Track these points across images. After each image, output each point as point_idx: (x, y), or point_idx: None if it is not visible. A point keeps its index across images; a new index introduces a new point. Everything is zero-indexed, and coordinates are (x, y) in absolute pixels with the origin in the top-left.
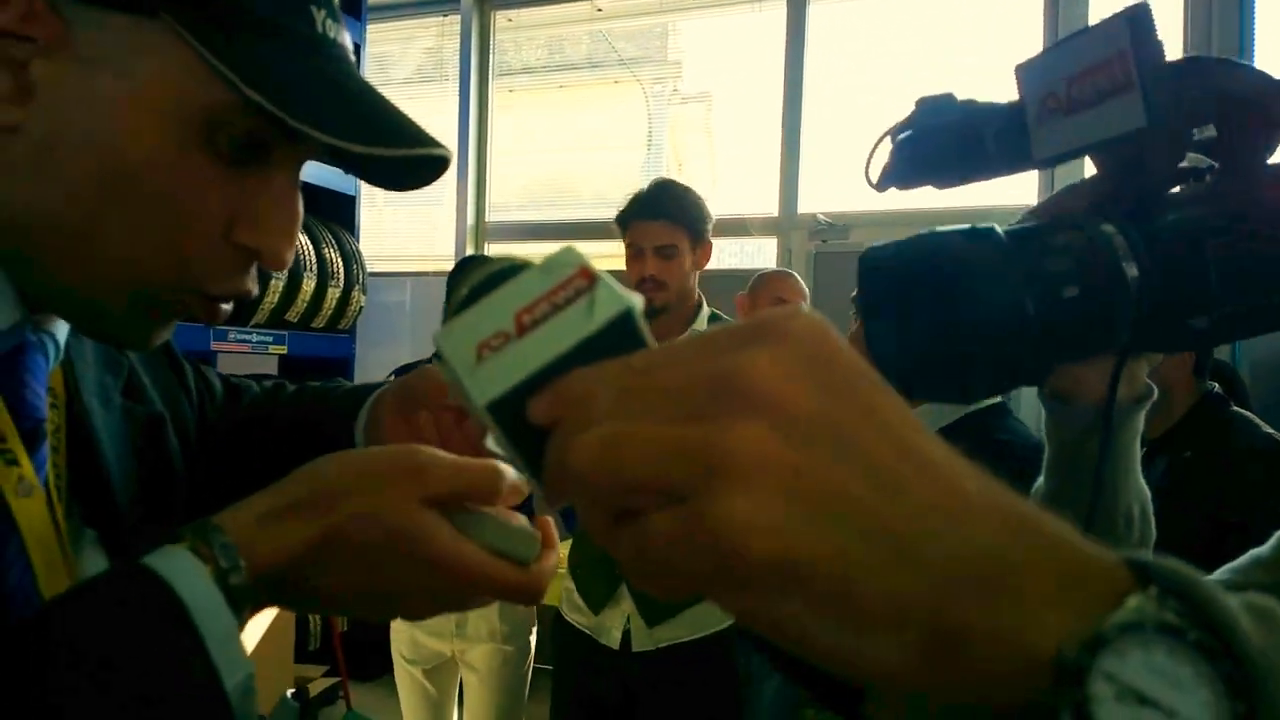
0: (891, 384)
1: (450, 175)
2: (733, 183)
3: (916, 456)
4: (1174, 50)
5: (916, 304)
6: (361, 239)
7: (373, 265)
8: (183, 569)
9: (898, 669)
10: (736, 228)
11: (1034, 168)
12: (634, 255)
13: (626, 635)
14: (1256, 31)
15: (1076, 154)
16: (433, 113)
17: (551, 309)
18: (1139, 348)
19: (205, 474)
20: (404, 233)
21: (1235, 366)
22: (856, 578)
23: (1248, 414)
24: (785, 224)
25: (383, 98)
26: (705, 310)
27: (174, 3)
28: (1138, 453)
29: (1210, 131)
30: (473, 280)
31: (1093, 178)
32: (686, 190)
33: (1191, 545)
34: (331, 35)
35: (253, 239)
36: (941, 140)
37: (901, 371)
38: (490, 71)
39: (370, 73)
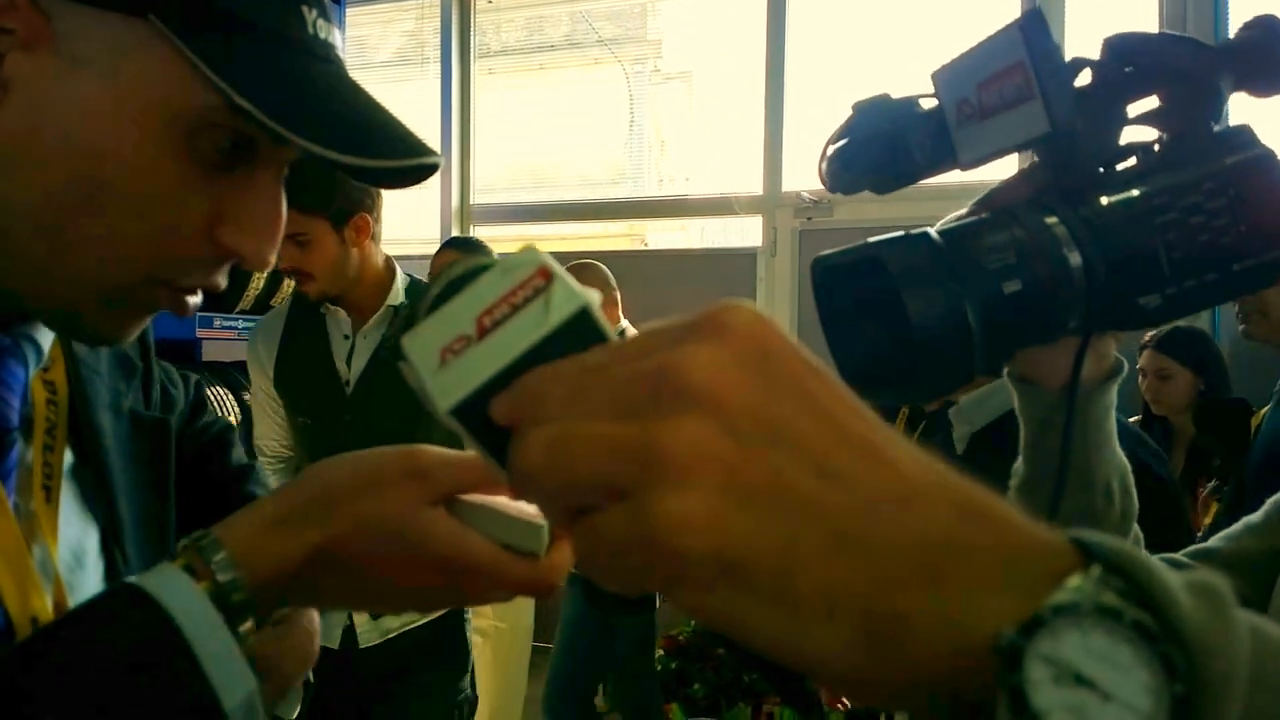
0: (848, 376)
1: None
2: (716, 161)
3: (857, 443)
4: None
5: (864, 315)
6: None
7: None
8: (176, 588)
9: (838, 660)
10: (721, 206)
11: (963, 168)
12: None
13: (349, 632)
14: (1231, 22)
15: (997, 155)
16: (414, 96)
17: (510, 310)
18: (1093, 330)
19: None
20: (389, 216)
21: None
22: (794, 569)
23: None
24: (770, 202)
25: (375, 102)
26: (400, 278)
27: (161, 4)
28: (1113, 427)
29: (1154, 101)
30: (440, 284)
31: (1031, 165)
32: (309, 162)
33: None
34: (323, 36)
35: (235, 240)
36: (872, 150)
37: (862, 377)
38: (471, 53)
39: (349, 56)
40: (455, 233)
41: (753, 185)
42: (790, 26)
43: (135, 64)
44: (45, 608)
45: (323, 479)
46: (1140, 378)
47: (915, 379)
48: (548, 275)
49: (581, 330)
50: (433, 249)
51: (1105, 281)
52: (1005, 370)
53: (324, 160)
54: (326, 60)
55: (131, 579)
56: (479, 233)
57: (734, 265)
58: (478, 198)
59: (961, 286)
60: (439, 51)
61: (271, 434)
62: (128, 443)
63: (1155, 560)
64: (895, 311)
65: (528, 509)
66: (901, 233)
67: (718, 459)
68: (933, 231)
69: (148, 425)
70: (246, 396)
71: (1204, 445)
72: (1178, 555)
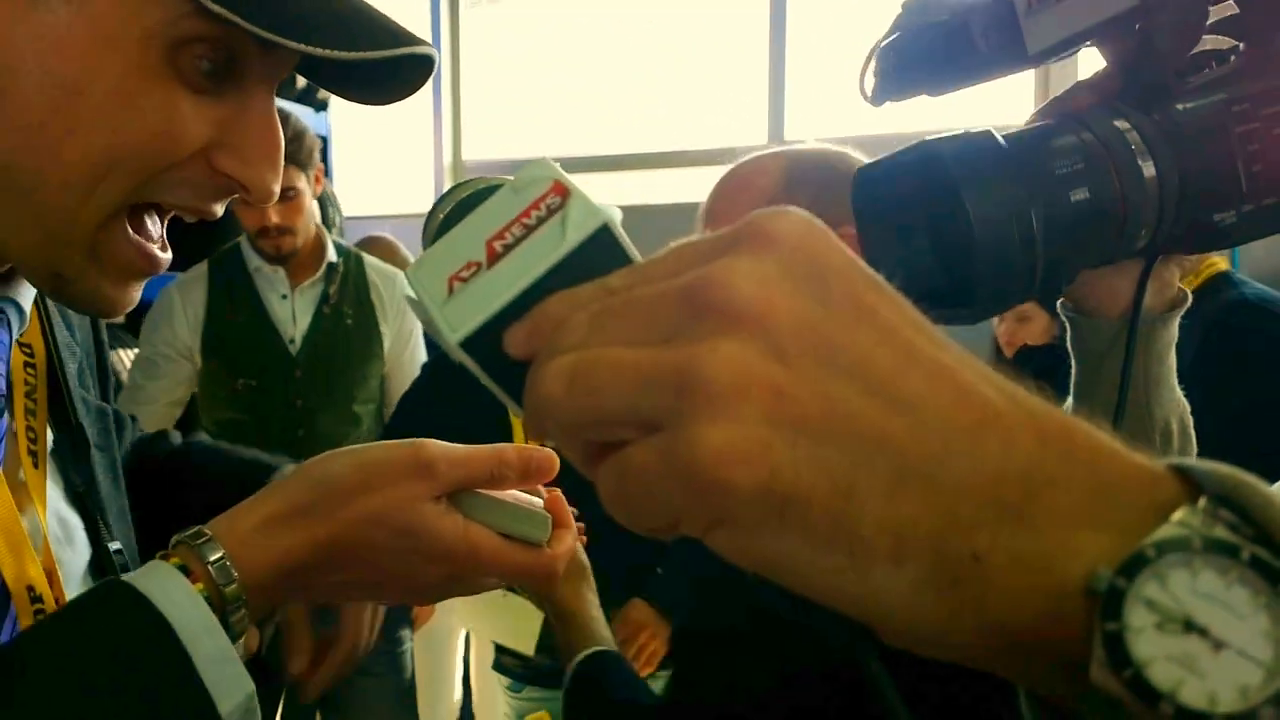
0: None
1: (425, 109)
2: (719, 109)
3: (925, 363)
4: None
5: (913, 221)
6: (335, 181)
7: (349, 209)
8: (170, 589)
9: (907, 608)
10: (724, 156)
11: (1029, 65)
12: (244, 203)
13: None
14: None
15: (1073, 43)
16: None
17: (524, 232)
18: (1159, 248)
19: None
20: (375, 174)
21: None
22: (855, 506)
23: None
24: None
25: None
26: (326, 234)
27: None
28: (1174, 364)
29: (1231, 8)
30: (446, 208)
31: (1099, 73)
32: (288, 117)
33: None
34: None
35: (236, 169)
36: (929, 43)
37: (901, 281)
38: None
39: None
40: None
41: (756, 134)
42: None
43: None
44: (40, 576)
45: (324, 474)
46: (996, 319)
47: (970, 293)
48: (564, 191)
49: (603, 250)
50: (424, 208)
51: (1178, 195)
52: (1059, 302)
53: (309, 63)
54: None
55: (125, 578)
56: None
57: None
58: (469, 154)
59: (1026, 194)
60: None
61: (166, 394)
62: (91, 419)
63: (1274, 490)
64: (951, 217)
65: (529, 499)
66: (962, 131)
67: (765, 384)
68: (995, 132)
69: (95, 409)
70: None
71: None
72: None
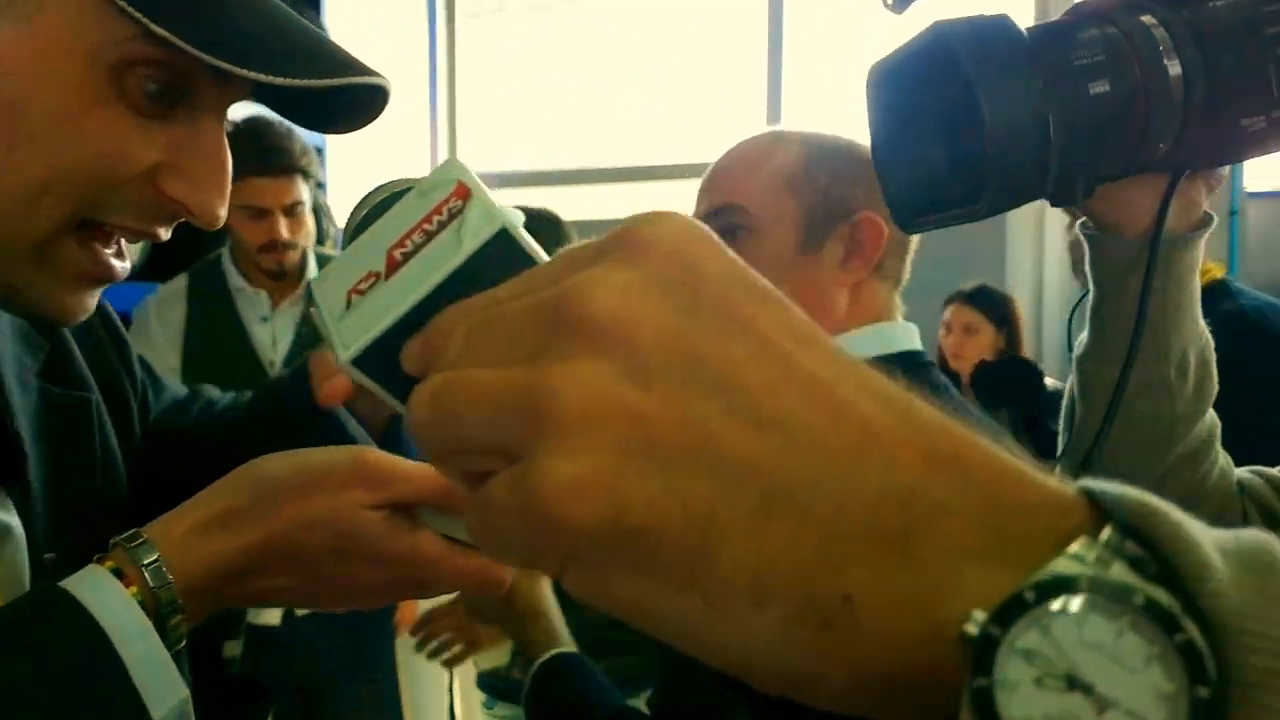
0: (895, 201)
1: (422, 121)
2: (715, 123)
3: (801, 378)
4: None
5: (924, 107)
6: (330, 193)
7: (344, 220)
8: (104, 593)
9: (770, 655)
10: None
11: None
12: (251, 217)
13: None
14: None
15: None
16: (397, 53)
17: (424, 238)
18: (1183, 158)
19: (150, 470)
20: (368, 184)
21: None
22: (710, 542)
23: None
24: None
25: (308, 25)
26: (310, 252)
27: None
28: (1196, 290)
29: None
30: (360, 213)
31: None
32: (291, 130)
33: None
34: None
35: (182, 193)
36: None
37: (916, 197)
38: (457, 10)
39: (330, 15)
40: None
41: None
42: None
43: (50, 6)
44: None
45: (262, 475)
46: (943, 332)
47: (979, 190)
48: (465, 194)
49: (504, 255)
50: None
51: (1204, 98)
52: (1078, 222)
53: (262, 86)
54: None
55: (61, 583)
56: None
57: None
58: (474, 166)
59: (1042, 84)
60: (426, 9)
61: None
62: (36, 416)
63: (1190, 519)
64: (960, 105)
65: None
66: (979, 14)
67: (619, 408)
68: (1011, 18)
69: (62, 403)
70: None
71: (986, 407)
72: (1275, 471)
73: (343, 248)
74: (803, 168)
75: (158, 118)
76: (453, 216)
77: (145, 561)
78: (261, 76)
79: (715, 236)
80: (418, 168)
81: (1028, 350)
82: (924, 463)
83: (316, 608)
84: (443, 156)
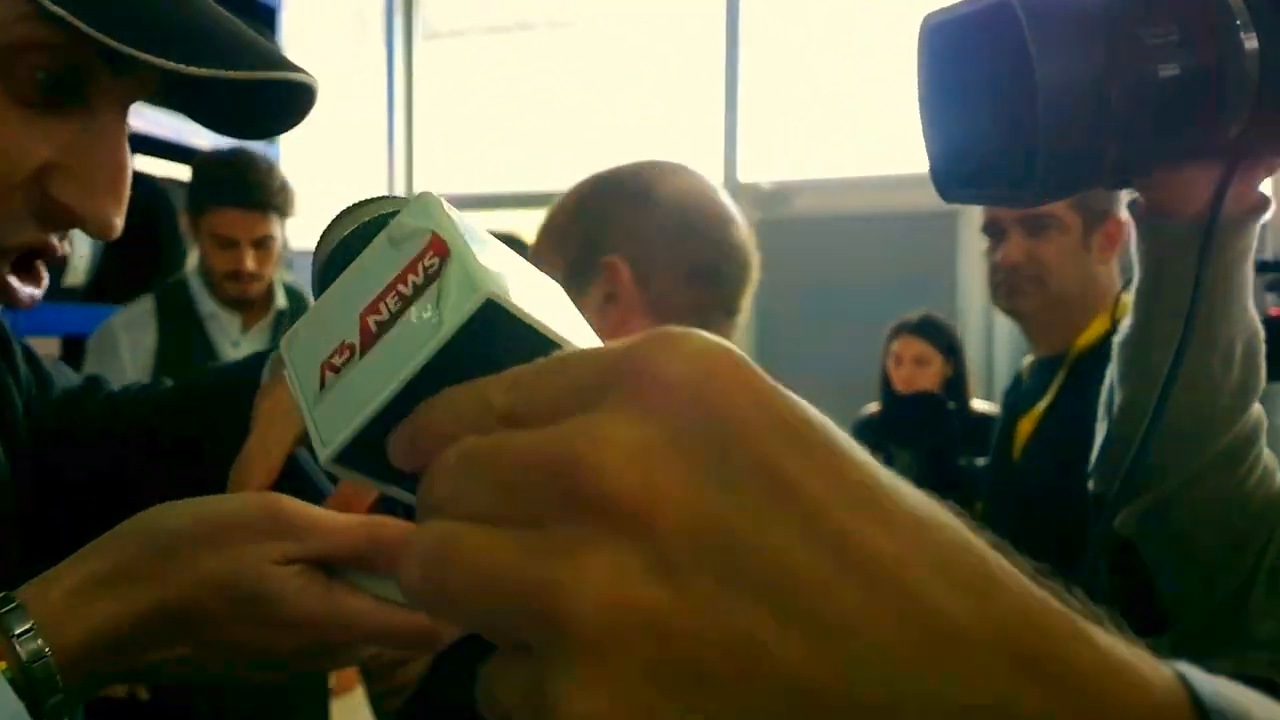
0: (938, 164)
1: (380, 144)
2: (673, 151)
3: (861, 563)
4: None
5: (978, 70)
6: None
7: (298, 242)
8: None
9: None
10: None
11: None
12: (220, 245)
13: None
14: None
15: None
16: (356, 77)
17: (400, 304)
18: (1253, 147)
19: (40, 473)
20: (327, 208)
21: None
22: None
23: None
24: (727, 192)
25: (231, 18)
26: (276, 278)
27: None
28: (1249, 277)
29: None
30: (336, 237)
31: None
32: (273, 166)
33: None
34: None
35: (74, 198)
36: None
37: (963, 169)
38: (416, 34)
39: (287, 37)
40: None
41: (710, 175)
42: (745, 11)
43: None
44: None
45: (157, 528)
46: (892, 364)
47: (1030, 166)
48: (443, 250)
49: (492, 325)
50: None
51: None
52: (1128, 201)
53: (171, 84)
54: None
55: None
56: None
57: None
58: (423, 187)
59: (1105, 58)
60: (384, 32)
61: None
62: None
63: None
64: (1016, 75)
65: None
66: None
67: (643, 620)
68: None
69: None
70: None
71: (895, 443)
72: None
73: (314, 280)
74: (570, 219)
75: (49, 112)
76: (430, 279)
77: (17, 631)
78: (165, 63)
79: (743, 359)
80: (375, 189)
81: (977, 376)
82: (1010, 668)
83: (226, 681)
84: (400, 178)
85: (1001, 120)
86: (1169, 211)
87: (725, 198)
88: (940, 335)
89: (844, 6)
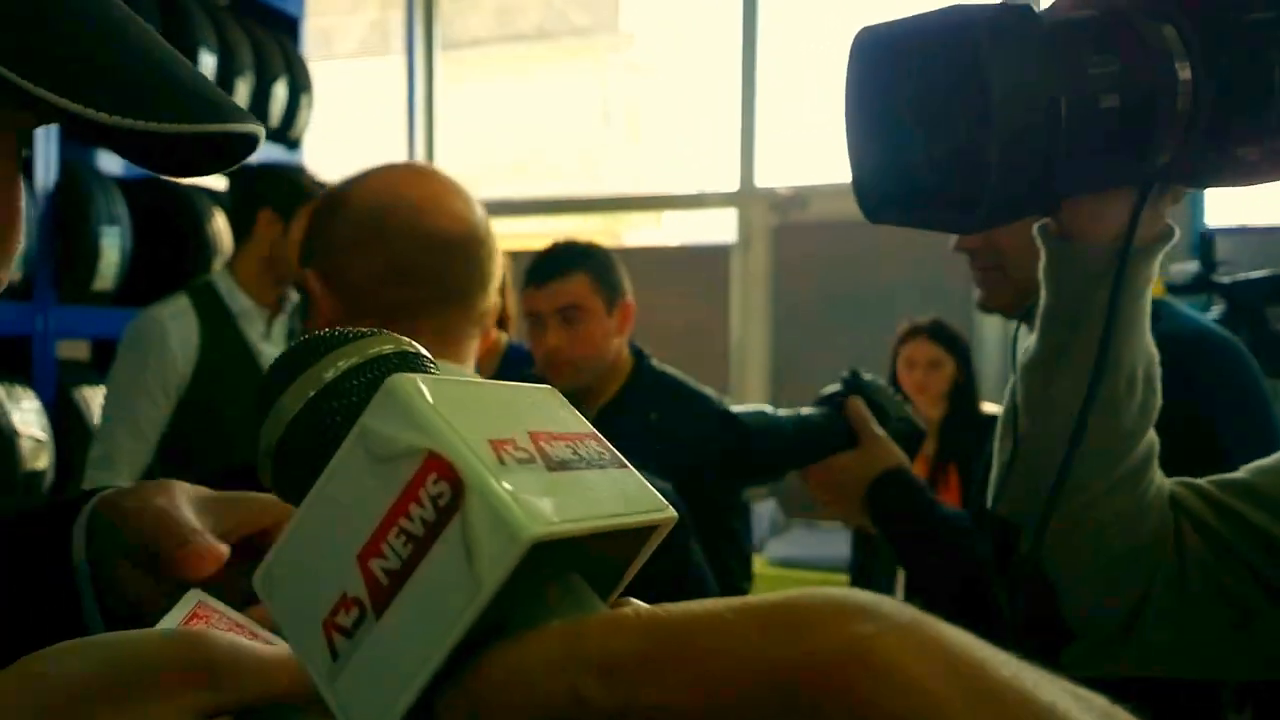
0: (862, 183)
1: (400, 151)
2: (690, 156)
3: None
4: None
5: (924, 94)
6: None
7: None
8: None
9: None
10: (695, 201)
11: None
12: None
13: None
14: None
15: None
16: (379, 88)
17: (410, 546)
18: (1176, 175)
19: None
20: None
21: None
22: None
23: None
24: (744, 197)
25: (176, 54)
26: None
27: None
28: (1149, 305)
29: None
30: (274, 431)
31: None
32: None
33: None
34: None
35: None
36: None
37: (881, 168)
38: (436, 43)
39: (311, 48)
40: None
41: (727, 181)
42: (762, 18)
43: None
44: None
45: (56, 674)
46: (904, 368)
47: (979, 189)
48: (451, 476)
49: (541, 559)
50: None
51: (1209, 113)
52: (1035, 226)
53: (80, 120)
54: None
55: None
56: None
57: (709, 261)
58: None
59: (1056, 86)
60: (404, 42)
61: (133, 440)
62: None
63: None
64: (973, 94)
65: None
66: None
67: None
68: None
69: None
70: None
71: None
72: (1202, 482)
73: (263, 467)
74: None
75: None
76: (443, 513)
77: None
78: (105, 117)
79: (952, 638)
80: None
81: (995, 380)
82: None
83: None
84: None
85: (940, 143)
86: (1080, 237)
87: (436, 187)
88: (952, 339)
89: (860, 12)
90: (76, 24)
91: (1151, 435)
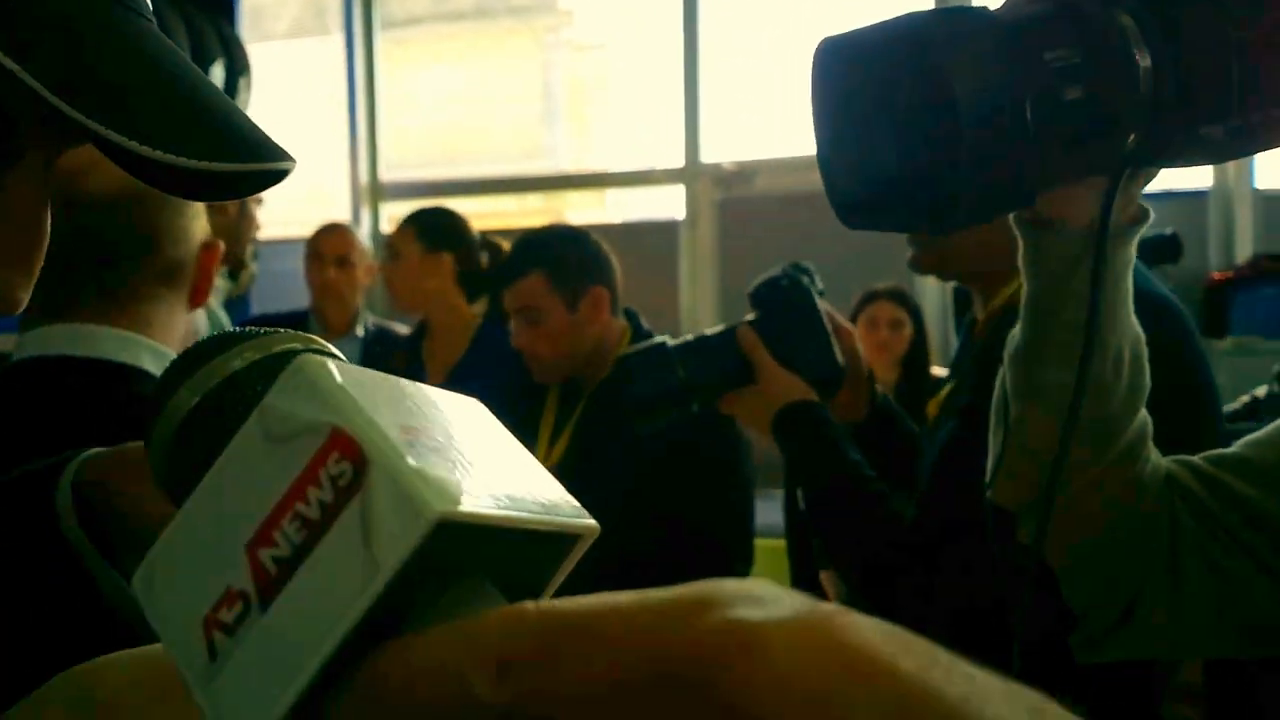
0: (836, 190)
1: (341, 132)
2: (635, 133)
3: None
4: None
5: (888, 100)
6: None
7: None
8: None
9: None
10: (641, 178)
11: None
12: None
13: None
14: None
15: None
16: (315, 68)
17: (305, 532)
18: (1144, 159)
19: None
20: (284, 194)
21: None
22: None
23: None
24: (691, 173)
25: (206, 80)
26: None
27: None
28: (1131, 286)
29: None
30: (168, 428)
31: None
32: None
33: None
34: None
35: None
36: None
37: (854, 176)
38: (374, 23)
39: (246, 28)
40: (364, 212)
41: (671, 157)
42: None
43: None
44: None
45: (91, 691)
46: (866, 329)
47: (949, 192)
48: (356, 454)
49: (447, 541)
50: None
51: (1172, 96)
52: (1011, 217)
53: (126, 155)
54: (136, 13)
55: None
56: (390, 211)
57: (655, 238)
58: (387, 174)
59: (1019, 80)
60: (342, 20)
61: None
62: None
63: None
64: (934, 100)
65: None
66: (952, 6)
67: None
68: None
69: None
70: None
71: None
72: (1196, 458)
73: (156, 470)
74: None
75: None
76: (343, 495)
77: None
78: (155, 152)
79: (871, 634)
80: (338, 177)
81: (936, 346)
82: None
83: None
84: (364, 166)
85: (910, 149)
86: (1055, 224)
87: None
88: (910, 301)
89: None
90: (120, 54)
91: (1144, 415)
